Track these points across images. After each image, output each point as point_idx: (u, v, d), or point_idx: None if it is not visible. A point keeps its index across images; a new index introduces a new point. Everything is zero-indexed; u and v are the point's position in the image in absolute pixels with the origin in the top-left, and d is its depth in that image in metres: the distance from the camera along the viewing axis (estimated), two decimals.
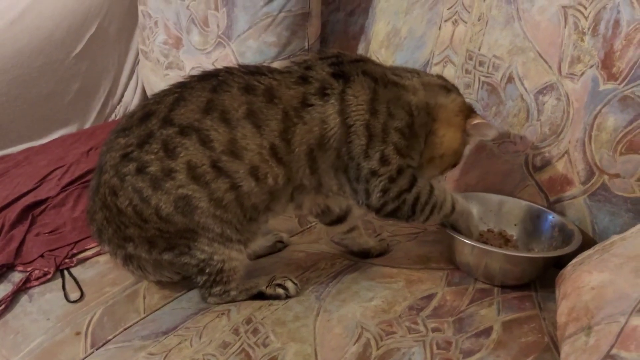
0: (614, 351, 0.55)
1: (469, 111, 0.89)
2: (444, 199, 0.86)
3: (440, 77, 0.93)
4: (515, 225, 0.97)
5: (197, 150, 0.77)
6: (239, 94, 0.79)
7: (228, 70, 0.83)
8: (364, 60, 0.86)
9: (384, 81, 0.83)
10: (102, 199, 0.82)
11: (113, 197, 0.80)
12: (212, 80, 0.81)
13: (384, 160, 0.82)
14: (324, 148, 0.81)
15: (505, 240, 0.96)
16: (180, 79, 0.85)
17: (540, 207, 0.95)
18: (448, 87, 0.89)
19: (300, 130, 0.80)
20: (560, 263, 0.82)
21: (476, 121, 0.88)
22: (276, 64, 1.27)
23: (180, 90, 0.81)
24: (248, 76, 0.81)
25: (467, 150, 0.94)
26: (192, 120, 0.78)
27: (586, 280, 0.67)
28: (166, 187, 0.78)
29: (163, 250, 0.83)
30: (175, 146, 0.77)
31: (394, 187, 0.83)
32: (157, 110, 0.80)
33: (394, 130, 0.82)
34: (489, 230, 0.98)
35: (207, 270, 0.83)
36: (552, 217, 0.93)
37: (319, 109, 0.80)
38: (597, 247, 0.75)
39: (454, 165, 0.92)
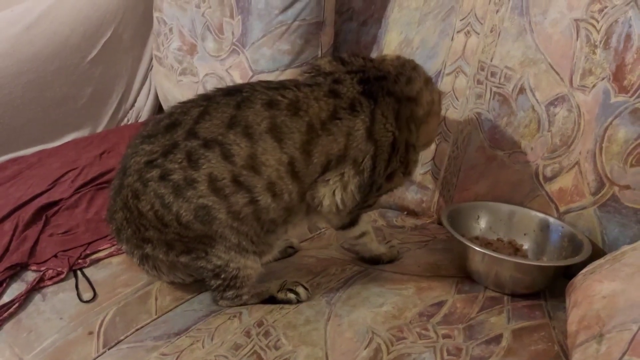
0: (625, 358, 0.55)
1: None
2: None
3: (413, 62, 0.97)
4: (525, 234, 0.98)
5: (219, 164, 0.79)
6: (262, 110, 0.81)
7: (251, 87, 0.85)
8: (385, 78, 0.89)
9: (403, 98, 0.88)
10: (124, 200, 0.83)
11: (135, 200, 0.82)
12: (237, 97, 0.83)
13: (389, 178, 0.88)
14: (343, 160, 0.83)
15: (515, 250, 0.97)
16: (194, 85, 0.87)
17: (550, 217, 0.96)
18: (429, 77, 0.96)
19: (323, 140, 0.81)
20: (569, 273, 0.82)
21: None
22: (289, 72, 1.28)
23: (206, 104, 0.83)
24: (272, 92, 0.83)
25: None
26: (216, 135, 0.80)
27: (597, 289, 0.68)
28: (187, 196, 0.79)
29: (180, 253, 0.84)
30: (198, 158, 0.79)
31: (370, 200, 0.89)
32: (183, 122, 0.81)
33: (411, 146, 0.88)
34: (498, 240, 0.99)
35: (222, 276, 0.84)
36: (562, 228, 0.94)
37: (347, 123, 0.83)
38: (607, 256, 0.76)
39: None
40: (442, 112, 1.06)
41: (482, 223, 1.01)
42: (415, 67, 0.94)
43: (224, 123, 0.80)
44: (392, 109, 0.85)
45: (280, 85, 0.85)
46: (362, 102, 0.84)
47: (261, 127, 0.80)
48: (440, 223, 1.03)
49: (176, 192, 0.79)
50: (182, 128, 0.81)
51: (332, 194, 0.84)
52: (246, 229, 0.82)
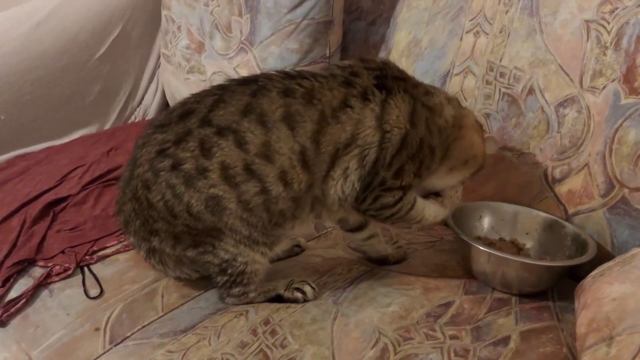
0: None
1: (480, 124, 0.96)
2: (415, 216, 0.90)
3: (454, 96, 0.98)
4: (527, 234, 0.97)
5: (232, 152, 0.79)
6: (278, 98, 0.81)
7: (267, 76, 0.85)
8: (405, 80, 0.88)
9: (421, 102, 0.87)
10: (134, 191, 0.83)
11: (145, 190, 0.82)
12: (252, 85, 0.83)
13: (397, 174, 0.85)
14: (350, 148, 0.82)
15: (517, 249, 0.96)
16: (202, 84, 0.87)
17: (553, 217, 0.95)
18: (462, 104, 0.96)
19: (332, 129, 0.81)
20: (573, 273, 0.82)
21: (488, 134, 0.95)
22: None
23: (221, 93, 0.83)
24: (288, 80, 0.83)
25: None
26: (230, 122, 0.80)
27: (607, 292, 0.67)
28: (199, 186, 0.79)
29: (188, 246, 0.84)
30: (211, 146, 0.79)
31: (383, 198, 0.86)
32: (197, 110, 0.82)
33: (427, 147, 0.86)
34: (500, 239, 0.98)
35: (228, 271, 0.84)
36: (565, 227, 0.93)
37: (357, 111, 0.82)
38: (617, 259, 0.75)
39: (478, 171, 0.95)
40: None
41: (485, 223, 1.00)
42: (439, 90, 0.94)
43: (239, 110, 0.80)
44: (407, 103, 0.84)
45: (298, 74, 0.85)
46: (375, 92, 0.83)
47: (276, 115, 0.80)
48: (446, 224, 1.02)
49: (187, 182, 0.79)
50: (196, 116, 0.81)
51: (335, 183, 0.84)
52: (255, 220, 0.82)
